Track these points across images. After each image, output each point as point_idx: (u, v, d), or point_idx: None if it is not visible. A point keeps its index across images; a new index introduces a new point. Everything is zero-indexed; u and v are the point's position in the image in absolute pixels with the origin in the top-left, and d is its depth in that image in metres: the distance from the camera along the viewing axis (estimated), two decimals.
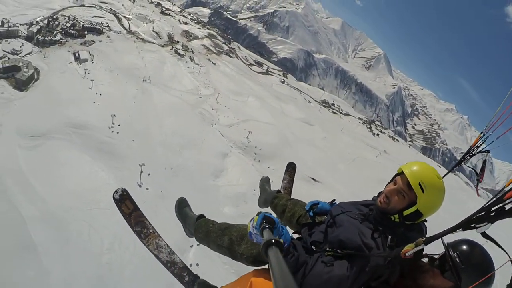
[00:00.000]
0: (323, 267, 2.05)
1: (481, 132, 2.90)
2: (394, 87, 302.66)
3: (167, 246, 3.45)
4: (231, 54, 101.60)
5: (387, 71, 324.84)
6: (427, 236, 1.95)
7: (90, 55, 59.10)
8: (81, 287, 22.87)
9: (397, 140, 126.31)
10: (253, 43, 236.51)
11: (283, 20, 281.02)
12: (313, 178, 49.20)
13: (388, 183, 2.33)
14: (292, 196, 3.95)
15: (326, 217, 2.70)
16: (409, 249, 1.79)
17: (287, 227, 3.20)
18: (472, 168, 3.24)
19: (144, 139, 41.06)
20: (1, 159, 32.30)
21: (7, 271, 22.21)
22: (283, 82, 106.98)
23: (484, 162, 2.85)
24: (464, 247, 1.94)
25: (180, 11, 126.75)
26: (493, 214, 1.48)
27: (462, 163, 3.09)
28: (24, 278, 22.29)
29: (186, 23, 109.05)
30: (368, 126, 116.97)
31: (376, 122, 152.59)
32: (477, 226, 1.51)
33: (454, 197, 69.35)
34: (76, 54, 57.87)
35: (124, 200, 3.55)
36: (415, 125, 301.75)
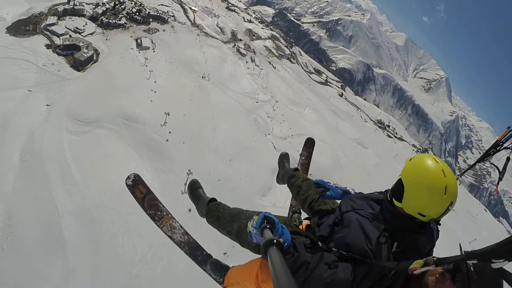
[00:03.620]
0: (326, 269, 1.99)
1: (508, 127, 2.73)
2: (452, 115, 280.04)
3: (181, 227, 3.58)
4: (292, 59, 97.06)
5: (447, 97, 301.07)
6: (439, 257, 1.77)
7: (153, 43, 57.10)
8: None
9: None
10: (314, 48, 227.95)
11: (346, 29, 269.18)
12: None
13: None
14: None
15: (338, 203, 2.71)
16: (417, 267, 1.72)
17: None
18: (494, 165, 3.02)
19: (196, 142, 37.88)
20: (47, 140, 30.96)
21: (32, 262, 21.54)
22: (341, 95, 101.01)
23: (508, 159, 2.79)
24: None
25: (245, 8, 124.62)
26: None
27: (486, 159, 2.93)
28: (48, 274, 21.35)
29: (250, 21, 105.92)
30: None
31: (430, 152, 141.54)
32: (493, 260, 1.43)
33: None
34: (138, 41, 56.14)
35: (137, 185, 3.63)
36: (467, 158, 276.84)
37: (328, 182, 2.97)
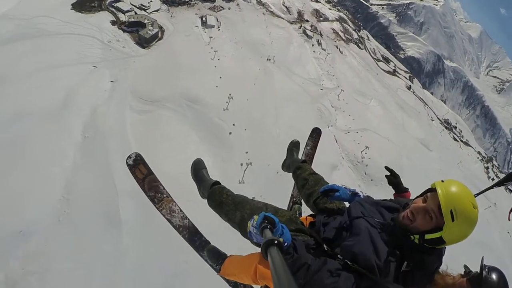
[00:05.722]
0: (328, 275, 1.92)
1: None
2: None
3: (180, 210, 3.49)
4: (360, 44, 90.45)
5: None
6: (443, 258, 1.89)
7: (218, 21, 55.42)
8: (153, 278, 21.53)
9: (511, 191, 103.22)
10: (382, 33, 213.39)
11: (418, 14, 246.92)
12: None
13: (417, 197, 2.16)
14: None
15: (345, 204, 2.76)
16: None
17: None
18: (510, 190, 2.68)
19: (258, 130, 35.93)
20: (110, 117, 30.71)
21: (86, 238, 21.70)
22: (409, 88, 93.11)
23: None
24: (496, 271, 2.09)
25: None
26: None
27: (505, 183, 2.80)
28: (101, 251, 21.47)
29: (317, 0, 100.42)
30: (486, 165, 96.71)
31: (494, 162, 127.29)
32: None
33: None
34: (203, 19, 54.67)
35: (137, 165, 3.49)
36: None
37: (335, 184, 2.75)
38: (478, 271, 2.10)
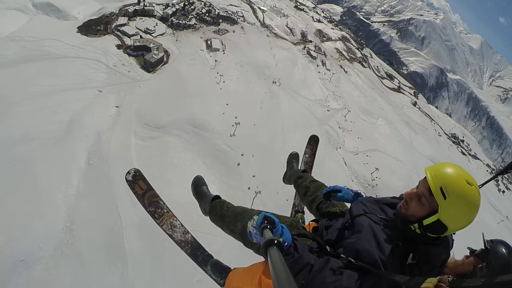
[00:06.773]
0: (330, 274, 1.90)
1: None
2: None
3: (182, 225, 3.46)
4: (363, 63, 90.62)
5: None
6: (454, 278, 1.70)
7: (222, 44, 55.70)
8: None
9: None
10: (384, 50, 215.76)
11: (419, 29, 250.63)
12: None
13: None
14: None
15: (347, 206, 2.70)
16: (430, 287, 1.62)
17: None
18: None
19: (265, 156, 34.96)
20: (115, 144, 30.22)
21: (90, 269, 21.16)
22: (414, 104, 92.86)
23: None
24: (499, 242, 2.05)
25: (314, 7, 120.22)
26: None
27: (509, 171, 2.54)
28: (106, 283, 20.78)
29: (319, 21, 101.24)
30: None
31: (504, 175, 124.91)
32: None
33: None
34: (208, 42, 54.98)
35: (137, 181, 3.50)
36: None
37: (337, 185, 2.73)
38: (483, 247, 2.06)
